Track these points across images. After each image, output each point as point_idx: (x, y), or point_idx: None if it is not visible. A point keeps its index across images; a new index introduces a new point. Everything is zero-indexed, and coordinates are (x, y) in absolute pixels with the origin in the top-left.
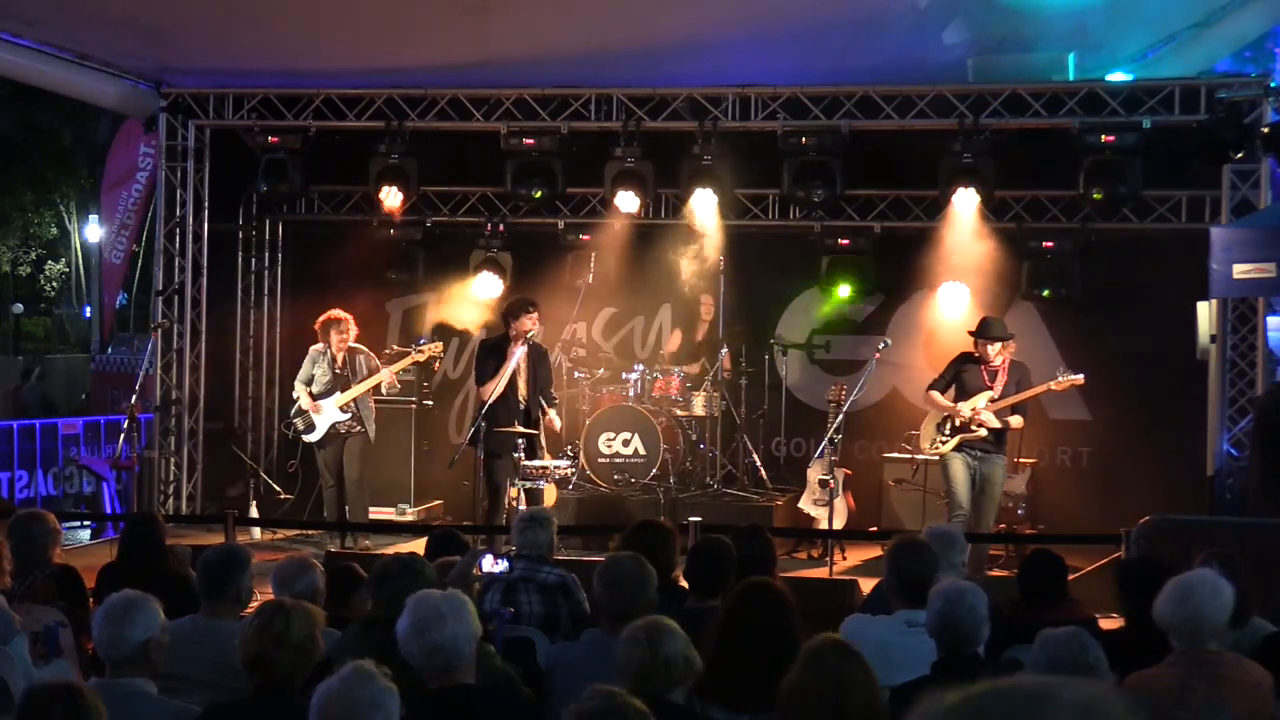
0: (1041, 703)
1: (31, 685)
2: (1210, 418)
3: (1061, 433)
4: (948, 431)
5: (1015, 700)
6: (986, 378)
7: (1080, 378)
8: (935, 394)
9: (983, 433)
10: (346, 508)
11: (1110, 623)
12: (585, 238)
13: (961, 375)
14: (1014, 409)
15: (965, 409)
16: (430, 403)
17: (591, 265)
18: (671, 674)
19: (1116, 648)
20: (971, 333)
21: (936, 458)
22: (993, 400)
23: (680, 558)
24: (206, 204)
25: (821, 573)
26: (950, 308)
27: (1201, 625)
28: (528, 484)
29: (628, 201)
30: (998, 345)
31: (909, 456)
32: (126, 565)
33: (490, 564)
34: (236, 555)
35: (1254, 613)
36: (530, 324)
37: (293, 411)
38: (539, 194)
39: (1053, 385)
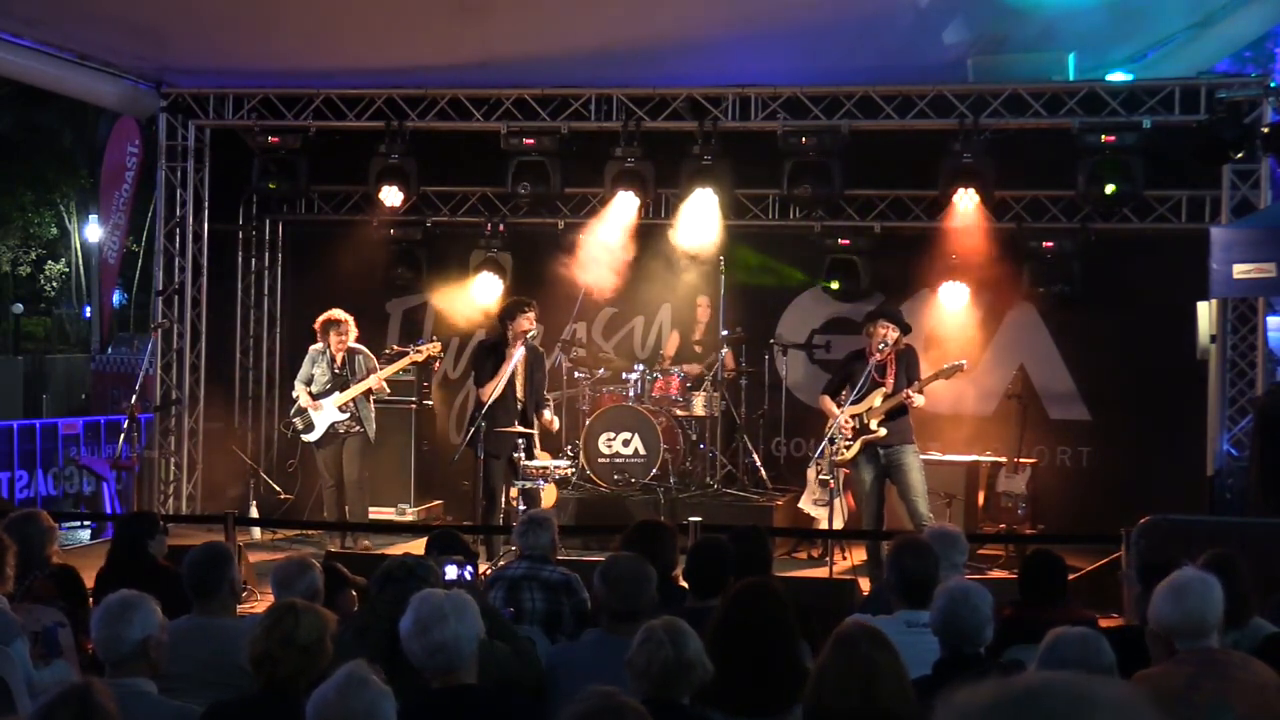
0: (1083, 702)
1: (59, 690)
2: (1210, 418)
3: (1061, 433)
4: (850, 437)
5: (1056, 699)
6: (876, 374)
7: (963, 363)
8: (827, 399)
9: (882, 432)
10: (346, 508)
11: (1109, 623)
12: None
13: (853, 375)
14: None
15: (843, 418)
16: (430, 403)
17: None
18: (690, 676)
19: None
20: (871, 314)
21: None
22: (887, 396)
23: (680, 557)
24: (206, 204)
25: (821, 573)
26: (950, 308)
27: (1204, 623)
28: (526, 484)
29: (622, 215)
30: (895, 334)
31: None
32: (118, 566)
33: (453, 573)
34: (219, 552)
35: (1254, 613)
36: (528, 324)
37: (292, 411)
38: (533, 190)
39: (939, 375)
